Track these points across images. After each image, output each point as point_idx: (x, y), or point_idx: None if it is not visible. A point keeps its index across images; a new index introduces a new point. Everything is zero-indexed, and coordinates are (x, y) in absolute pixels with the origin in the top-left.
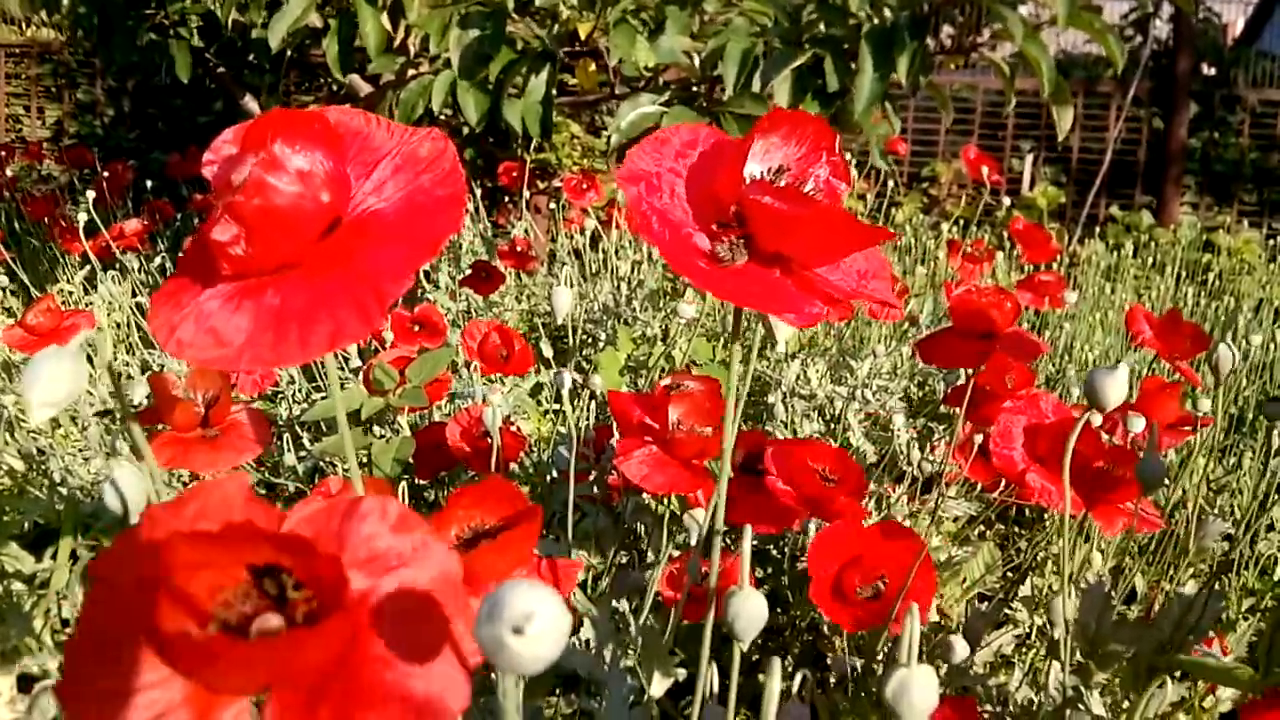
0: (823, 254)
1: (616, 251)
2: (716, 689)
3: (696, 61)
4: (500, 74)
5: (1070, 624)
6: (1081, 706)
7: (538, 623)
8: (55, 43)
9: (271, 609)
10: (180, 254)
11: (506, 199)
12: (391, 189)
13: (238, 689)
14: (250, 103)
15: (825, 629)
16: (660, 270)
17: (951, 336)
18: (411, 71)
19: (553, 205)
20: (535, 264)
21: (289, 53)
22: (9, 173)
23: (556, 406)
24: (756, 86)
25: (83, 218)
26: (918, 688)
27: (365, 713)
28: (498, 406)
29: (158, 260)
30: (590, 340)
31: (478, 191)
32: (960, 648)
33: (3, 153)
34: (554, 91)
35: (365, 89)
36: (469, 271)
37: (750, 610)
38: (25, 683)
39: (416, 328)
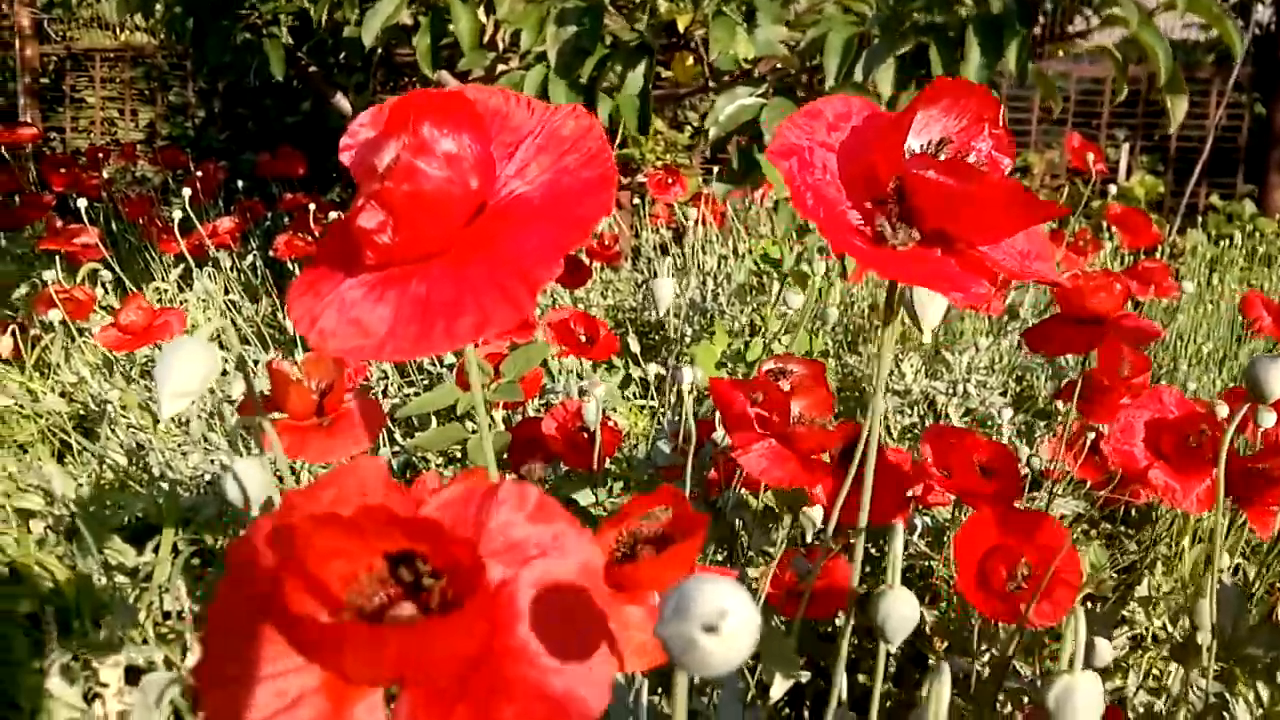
0: (991, 231)
1: (703, 246)
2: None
3: (794, 52)
4: (594, 70)
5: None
6: (1226, 715)
7: (732, 621)
8: (148, 47)
9: (406, 599)
10: (318, 243)
11: None
12: (535, 171)
13: (371, 678)
14: (341, 101)
15: (927, 629)
16: (748, 265)
17: (1060, 323)
18: (501, 67)
19: (636, 201)
20: (620, 259)
21: (378, 51)
22: (105, 174)
23: (641, 403)
24: (859, 76)
25: (177, 215)
26: (1082, 694)
27: (506, 708)
28: (599, 400)
29: (250, 258)
30: (677, 336)
31: None
32: (1104, 649)
33: (100, 154)
34: (650, 86)
35: (454, 85)
36: None
37: (902, 611)
38: (131, 675)
39: None
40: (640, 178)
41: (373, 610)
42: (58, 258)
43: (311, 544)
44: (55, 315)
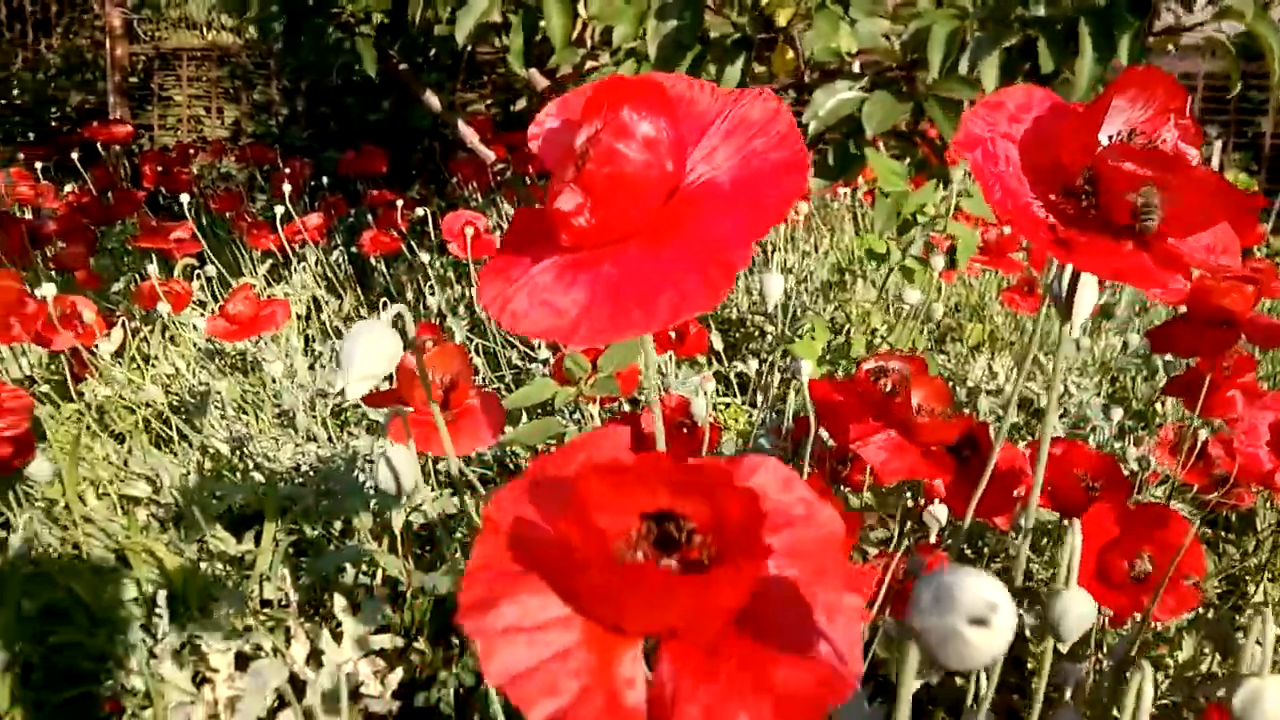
0: (1189, 223)
1: (786, 244)
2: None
3: (896, 45)
4: (691, 65)
5: None
6: None
7: (1002, 614)
8: (234, 46)
9: (664, 556)
10: (504, 230)
11: None
12: (723, 155)
13: (647, 628)
14: (431, 98)
15: (1027, 632)
16: (829, 262)
17: (1188, 325)
18: (590, 64)
19: None
20: None
21: (468, 49)
22: (194, 170)
23: (726, 400)
24: (963, 70)
25: (280, 210)
26: (1271, 698)
27: (777, 670)
28: (709, 394)
29: (335, 254)
30: (759, 333)
31: None
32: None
33: (191, 151)
34: (748, 81)
35: (542, 83)
36: None
37: (1079, 609)
38: (238, 662)
39: None
40: None
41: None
42: (154, 254)
43: (593, 492)
44: (164, 308)
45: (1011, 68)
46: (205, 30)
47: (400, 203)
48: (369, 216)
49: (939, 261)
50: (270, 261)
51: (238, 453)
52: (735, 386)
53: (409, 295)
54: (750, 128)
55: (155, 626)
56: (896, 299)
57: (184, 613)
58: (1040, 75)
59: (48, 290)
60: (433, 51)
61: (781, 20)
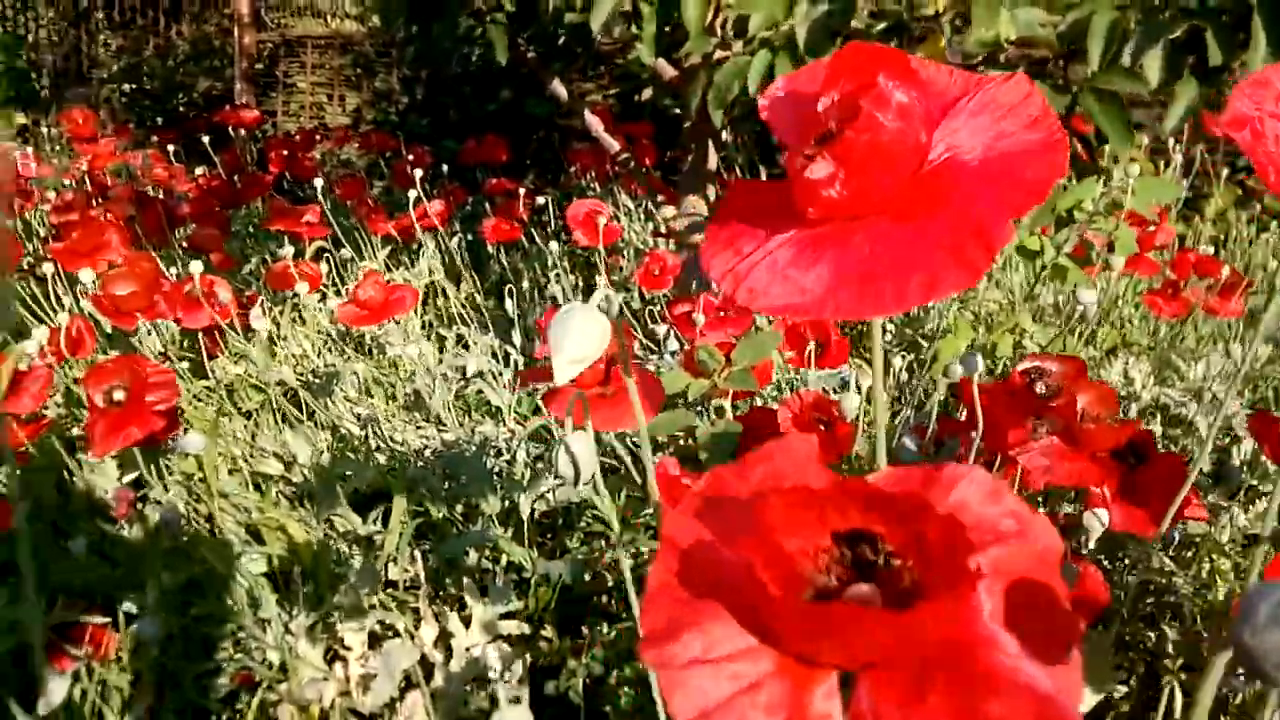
0: None
1: None
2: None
3: (1052, 35)
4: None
5: None
6: None
7: None
8: (357, 34)
9: (858, 579)
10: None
11: None
12: (969, 135)
13: (841, 662)
14: (558, 87)
15: (1169, 647)
16: None
17: None
18: (721, 53)
19: None
20: None
21: (597, 37)
22: (317, 155)
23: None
24: (1125, 61)
25: (413, 194)
26: None
27: (992, 703)
28: (863, 392)
29: (454, 240)
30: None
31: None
32: None
33: (316, 137)
34: None
35: (669, 72)
36: None
37: None
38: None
39: (723, 313)
40: None
41: (826, 590)
42: (284, 236)
43: (776, 519)
44: (301, 289)
45: (1176, 61)
46: (329, 19)
47: (522, 191)
48: (486, 205)
49: (1118, 261)
50: (389, 247)
51: (368, 433)
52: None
53: (524, 283)
54: (999, 109)
55: (286, 602)
56: (1034, 298)
57: (311, 590)
58: (1207, 68)
59: (195, 268)
60: (561, 40)
61: (940, 5)
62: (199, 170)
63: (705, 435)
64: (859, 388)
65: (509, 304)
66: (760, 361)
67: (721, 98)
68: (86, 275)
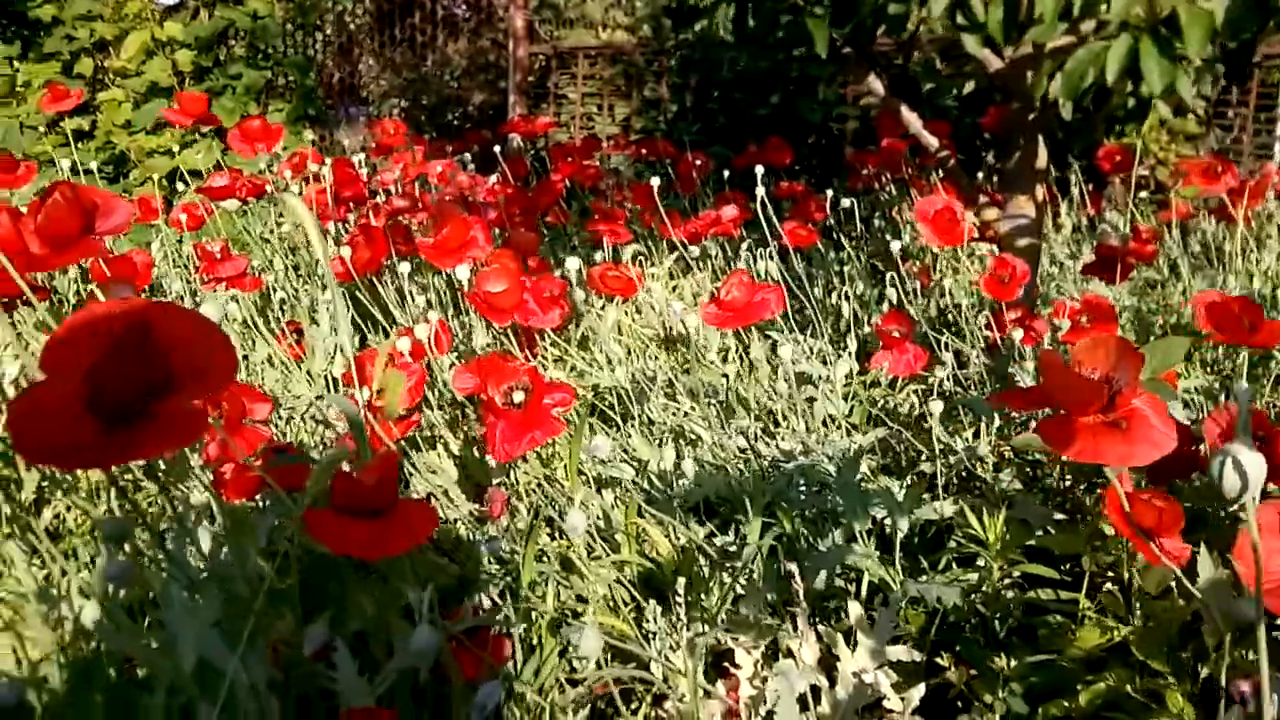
0: None
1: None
2: None
3: None
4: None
5: None
6: None
7: None
8: (627, 44)
9: None
10: None
11: (1090, 186)
12: None
13: None
14: (874, 82)
15: None
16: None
17: None
18: (1062, 40)
19: (1143, 194)
20: (1155, 253)
21: (919, 29)
22: (597, 162)
23: None
24: None
25: (729, 211)
26: None
27: None
28: None
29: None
30: None
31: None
32: None
33: (599, 145)
34: None
35: (995, 63)
36: (1091, 259)
37: None
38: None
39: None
40: (1141, 170)
41: None
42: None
43: None
44: (648, 292)
45: None
46: (600, 30)
47: (830, 194)
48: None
49: None
50: (675, 253)
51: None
52: None
53: (816, 289)
54: None
55: (650, 613)
56: None
57: (674, 600)
58: None
59: (572, 264)
60: (880, 31)
61: None
62: (492, 179)
63: None
64: None
65: (845, 307)
66: (1169, 369)
67: (1074, 87)
68: (462, 271)
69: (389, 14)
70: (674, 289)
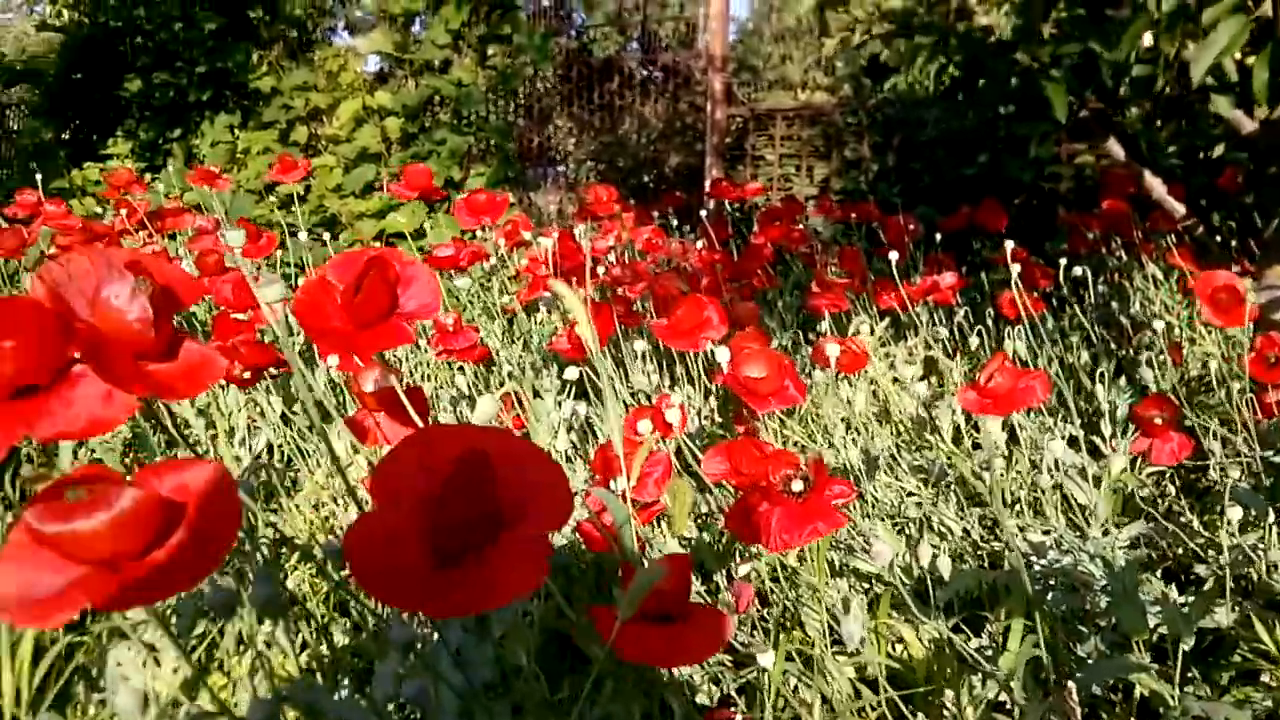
0: None
1: None
2: None
3: None
4: None
5: None
6: None
7: None
8: (826, 104)
9: None
10: None
11: None
12: None
13: None
14: (1114, 145)
15: None
16: None
17: None
18: None
19: None
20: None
21: (1167, 90)
22: (800, 227)
23: None
24: None
25: (948, 278)
26: None
27: None
28: None
29: (961, 313)
30: None
31: None
32: None
33: (802, 209)
34: None
35: (1248, 125)
36: None
37: None
38: None
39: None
40: None
41: None
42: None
43: None
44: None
45: None
46: (799, 91)
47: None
48: (982, 274)
49: None
50: (887, 318)
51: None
52: None
53: (1041, 361)
54: None
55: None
56: None
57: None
58: None
59: (832, 351)
60: (1121, 91)
61: None
62: (700, 244)
63: None
64: None
65: (1100, 391)
66: None
67: None
68: (722, 354)
69: (588, 78)
70: (885, 355)
